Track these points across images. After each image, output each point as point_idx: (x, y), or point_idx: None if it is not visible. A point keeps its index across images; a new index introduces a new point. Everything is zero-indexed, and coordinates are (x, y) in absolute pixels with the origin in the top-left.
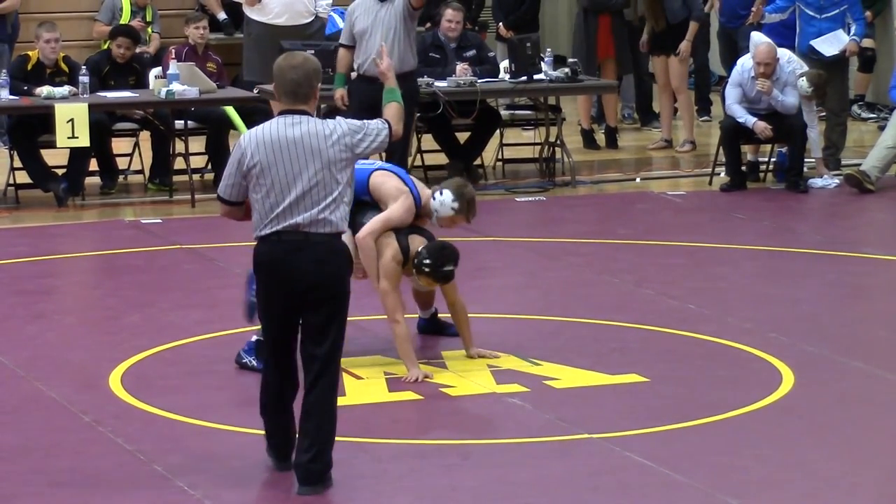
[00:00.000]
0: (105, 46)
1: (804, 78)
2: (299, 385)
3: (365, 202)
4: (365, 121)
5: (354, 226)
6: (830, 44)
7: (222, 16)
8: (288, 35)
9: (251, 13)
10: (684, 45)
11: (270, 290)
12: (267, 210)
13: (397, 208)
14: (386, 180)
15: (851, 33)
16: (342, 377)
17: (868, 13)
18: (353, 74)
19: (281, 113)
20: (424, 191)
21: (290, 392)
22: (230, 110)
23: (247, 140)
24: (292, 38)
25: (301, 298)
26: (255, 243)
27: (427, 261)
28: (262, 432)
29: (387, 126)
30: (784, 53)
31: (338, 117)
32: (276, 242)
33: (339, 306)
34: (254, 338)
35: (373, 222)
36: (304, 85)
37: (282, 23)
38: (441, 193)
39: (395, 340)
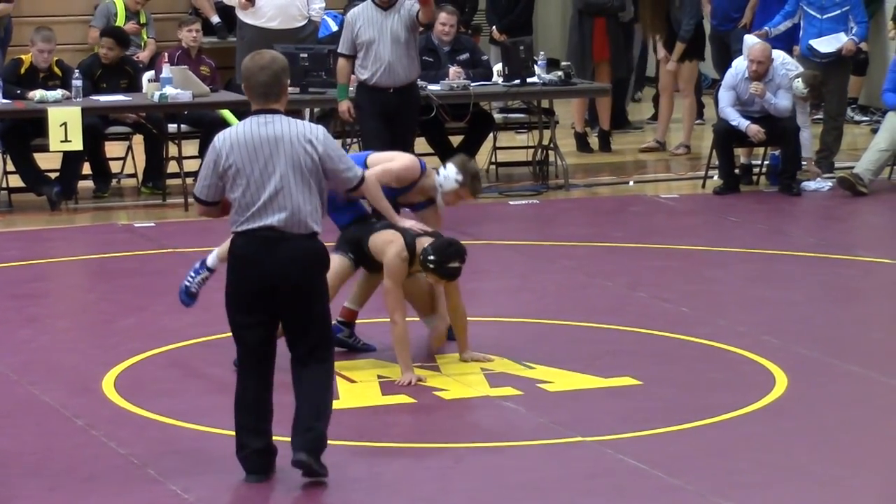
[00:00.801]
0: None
1: (800, 79)
2: (271, 396)
3: None
4: (346, 154)
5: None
6: (829, 43)
7: (216, 19)
8: (281, 39)
9: (244, 17)
10: (671, 66)
11: (243, 286)
12: (243, 207)
13: (401, 159)
14: (390, 154)
15: (851, 33)
16: (335, 379)
17: None
18: (353, 77)
19: (253, 112)
20: (429, 167)
21: (265, 398)
22: (227, 113)
23: (220, 141)
24: (285, 42)
25: (274, 296)
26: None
27: (431, 257)
28: (276, 436)
29: (362, 174)
30: (778, 56)
31: (325, 131)
32: (251, 237)
33: (317, 303)
34: None
35: (374, 168)
36: (274, 85)
37: (275, 26)
38: (445, 168)
39: (393, 341)
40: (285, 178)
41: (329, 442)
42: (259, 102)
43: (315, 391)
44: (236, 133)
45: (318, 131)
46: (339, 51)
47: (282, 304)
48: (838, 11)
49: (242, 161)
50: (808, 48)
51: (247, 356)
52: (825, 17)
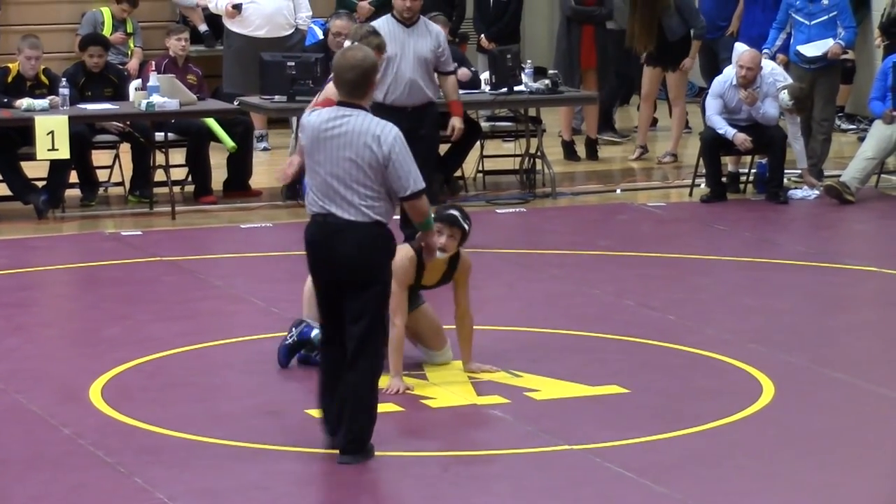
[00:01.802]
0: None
1: (785, 91)
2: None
3: None
4: (415, 166)
5: None
6: (816, 47)
7: (203, 27)
8: (268, 47)
9: (232, 25)
10: (688, 62)
11: (315, 268)
12: (313, 191)
13: (330, 90)
14: (324, 95)
15: (838, 38)
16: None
17: None
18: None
19: (338, 103)
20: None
21: (342, 369)
22: (212, 123)
23: (303, 121)
24: (273, 51)
25: (342, 279)
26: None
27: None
28: (263, 444)
29: (415, 190)
30: (767, 64)
31: (398, 135)
32: (321, 224)
33: (375, 290)
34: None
35: None
36: (362, 84)
37: (262, 35)
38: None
39: (388, 344)
40: (348, 171)
41: (315, 450)
42: (344, 96)
43: (354, 397)
44: (313, 119)
45: (390, 133)
46: None
47: (349, 289)
48: (826, 17)
49: (311, 147)
50: (795, 54)
51: (324, 326)
52: (813, 23)
